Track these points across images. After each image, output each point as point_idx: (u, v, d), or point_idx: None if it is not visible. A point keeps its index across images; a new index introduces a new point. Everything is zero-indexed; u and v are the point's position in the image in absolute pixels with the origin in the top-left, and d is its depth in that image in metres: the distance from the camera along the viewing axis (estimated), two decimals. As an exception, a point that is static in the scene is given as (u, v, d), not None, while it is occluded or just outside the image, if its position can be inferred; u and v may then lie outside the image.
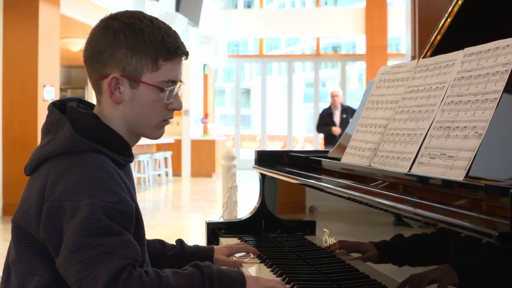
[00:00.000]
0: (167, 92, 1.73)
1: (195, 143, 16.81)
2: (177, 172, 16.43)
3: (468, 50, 1.91)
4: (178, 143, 16.48)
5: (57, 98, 9.50)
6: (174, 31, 1.77)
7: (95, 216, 1.49)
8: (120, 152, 1.72)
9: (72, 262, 1.46)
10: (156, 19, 1.76)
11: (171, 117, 1.82)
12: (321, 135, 12.53)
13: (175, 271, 1.61)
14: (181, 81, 1.80)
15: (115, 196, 1.55)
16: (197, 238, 7.91)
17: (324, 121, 11.25)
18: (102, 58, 1.70)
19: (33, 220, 1.57)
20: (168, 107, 1.76)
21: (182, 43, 1.77)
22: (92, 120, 1.70)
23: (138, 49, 1.68)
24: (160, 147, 15.54)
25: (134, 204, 1.63)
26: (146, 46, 1.69)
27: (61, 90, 14.46)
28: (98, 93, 1.75)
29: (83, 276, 1.45)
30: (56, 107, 1.74)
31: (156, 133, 1.80)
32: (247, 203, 7.53)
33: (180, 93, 1.80)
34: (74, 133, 1.62)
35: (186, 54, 1.78)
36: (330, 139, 11.02)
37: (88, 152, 1.61)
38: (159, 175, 14.75)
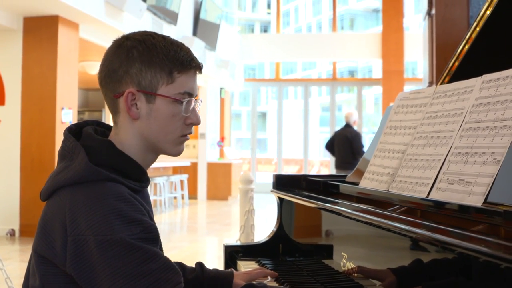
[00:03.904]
0: (184, 103, 1.73)
1: (211, 166, 16.86)
2: (193, 195, 16.47)
3: (486, 76, 1.92)
4: (194, 166, 16.54)
5: (75, 120, 9.59)
6: (187, 47, 1.78)
7: (132, 247, 1.50)
8: (136, 178, 1.71)
9: None
10: (169, 36, 1.76)
11: (190, 133, 1.80)
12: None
13: None
14: (197, 97, 1.80)
15: (139, 225, 1.54)
16: (212, 261, 7.90)
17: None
18: (117, 76, 1.69)
19: (59, 254, 1.55)
20: (186, 121, 1.76)
21: (195, 57, 1.77)
22: (106, 148, 1.69)
23: (152, 63, 1.68)
24: (177, 170, 15.59)
25: (156, 226, 1.64)
26: (160, 60, 1.69)
27: (79, 112, 14.55)
28: (115, 113, 1.74)
29: None
30: (72, 131, 1.74)
31: (176, 149, 1.78)
32: (262, 227, 7.53)
33: (197, 109, 1.79)
34: (88, 163, 1.61)
35: (199, 67, 1.77)
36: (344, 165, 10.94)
37: (104, 182, 1.60)
38: (175, 197, 14.77)
